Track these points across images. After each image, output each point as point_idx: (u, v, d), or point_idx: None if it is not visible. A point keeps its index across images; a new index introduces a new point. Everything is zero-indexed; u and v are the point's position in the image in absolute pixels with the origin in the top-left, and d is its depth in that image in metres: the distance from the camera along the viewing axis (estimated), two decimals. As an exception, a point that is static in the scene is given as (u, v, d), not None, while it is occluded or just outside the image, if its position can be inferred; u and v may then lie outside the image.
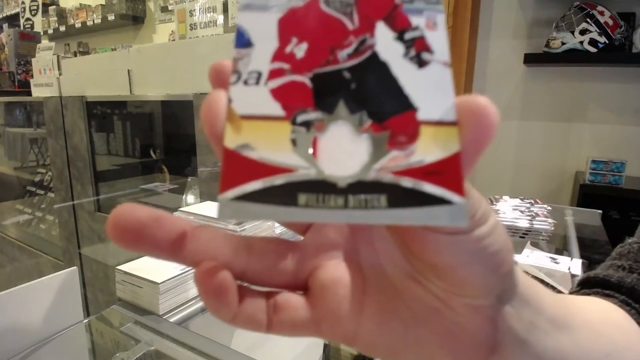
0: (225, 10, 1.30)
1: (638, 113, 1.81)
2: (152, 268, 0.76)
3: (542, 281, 0.73)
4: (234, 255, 0.15)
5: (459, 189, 0.13)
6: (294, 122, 0.13)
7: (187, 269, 0.76)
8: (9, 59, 2.25)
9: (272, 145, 0.13)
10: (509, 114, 2.08)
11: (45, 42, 1.97)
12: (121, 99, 1.59)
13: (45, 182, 2.23)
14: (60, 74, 1.74)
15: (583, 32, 1.67)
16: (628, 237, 0.37)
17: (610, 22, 1.65)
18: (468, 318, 0.17)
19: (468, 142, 0.13)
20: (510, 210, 1.09)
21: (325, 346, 0.80)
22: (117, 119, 1.86)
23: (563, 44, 1.72)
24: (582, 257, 0.86)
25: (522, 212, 1.08)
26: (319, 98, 0.14)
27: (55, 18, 3.74)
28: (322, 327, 0.17)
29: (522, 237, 1.02)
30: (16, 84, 2.21)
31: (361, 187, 0.13)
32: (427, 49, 0.14)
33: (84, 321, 0.73)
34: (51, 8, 3.75)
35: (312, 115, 0.14)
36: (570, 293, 0.36)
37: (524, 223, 1.04)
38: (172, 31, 3.02)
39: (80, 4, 3.63)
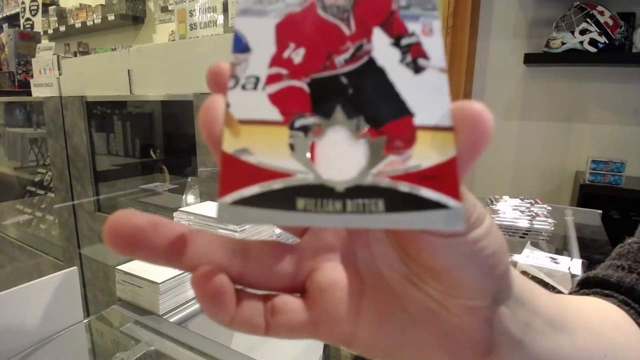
0: (225, 10, 1.30)
1: (638, 113, 1.81)
2: (152, 268, 0.76)
3: (542, 281, 0.73)
4: (231, 259, 0.15)
5: (455, 193, 0.13)
6: (291, 127, 0.14)
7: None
8: (9, 59, 2.25)
9: (270, 149, 0.13)
10: (509, 114, 2.08)
11: (45, 42, 1.97)
12: (121, 99, 1.59)
13: (45, 182, 2.23)
14: (60, 74, 1.74)
15: (583, 32, 1.67)
16: (628, 237, 0.37)
17: (610, 22, 1.65)
18: (464, 319, 0.17)
19: (464, 147, 0.13)
20: (510, 210, 1.09)
21: (325, 346, 0.80)
22: (117, 119, 1.86)
23: (563, 44, 1.72)
24: (582, 257, 0.86)
25: (522, 212, 1.08)
26: (316, 103, 0.14)
27: (55, 18, 3.74)
28: (320, 329, 0.17)
29: (522, 237, 1.02)
30: (16, 84, 2.21)
31: (359, 191, 0.13)
32: (423, 55, 0.14)
33: (84, 321, 0.73)
34: (51, 8, 3.75)
35: (310, 120, 0.14)
36: (570, 293, 0.36)
37: (524, 223, 1.04)
38: (172, 31, 3.02)
39: (80, 4, 3.63)
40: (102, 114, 1.82)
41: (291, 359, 0.83)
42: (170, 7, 3.09)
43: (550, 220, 1.03)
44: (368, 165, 0.13)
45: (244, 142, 0.13)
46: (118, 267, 0.77)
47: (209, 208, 0.93)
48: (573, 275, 0.75)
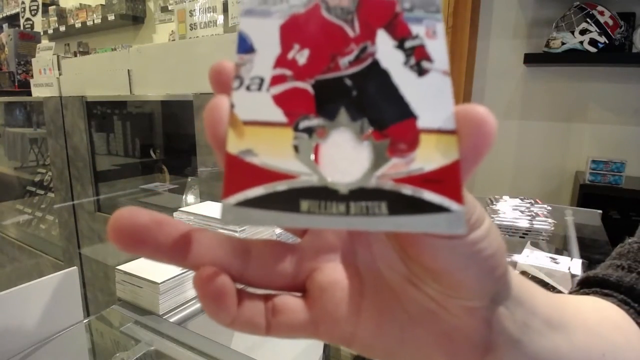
0: (225, 10, 1.30)
1: (638, 113, 1.81)
2: (152, 268, 0.76)
3: (542, 281, 0.73)
4: (232, 258, 0.15)
5: (457, 196, 0.13)
6: (296, 129, 0.14)
7: (186, 270, 0.76)
8: (9, 59, 2.25)
9: (275, 151, 0.13)
10: (509, 114, 2.08)
11: (45, 42, 1.97)
12: (121, 99, 1.59)
13: (45, 182, 2.23)
14: (60, 74, 1.74)
15: (583, 32, 1.67)
16: (628, 237, 0.37)
17: (610, 22, 1.65)
18: (463, 319, 0.17)
19: (467, 151, 0.13)
20: (510, 210, 1.09)
21: (325, 346, 0.80)
22: (117, 119, 1.86)
23: (563, 44, 1.72)
24: (582, 257, 0.86)
25: (522, 212, 1.08)
26: (320, 105, 0.14)
27: (55, 18, 3.74)
28: (320, 329, 0.17)
29: (522, 237, 1.02)
30: (16, 84, 2.21)
31: (362, 194, 0.13)
32: (427, 57, 0.14)
33: (84, 321, 0.73)
34: (51, 8, 3.75)
35: (314, 121, 0.14)
36: (570, 293, 0.36)
37: (524, 223, 1.04)
38: (172, 31, 3.02)
39: (80, 4, 3.63)
40: (102, 114, 1.82)
41: (291, 359, 0.83)
42: (170, 7, 3.09)
43: (550, 220, 1.03)
44: (372, 167, 0.13)
45: (248, 143, 0.13)
46: (118, 267, 0.77)
47: (209, 208, 0.93)
48: (573, 275, 0.75)
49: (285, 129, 0.13)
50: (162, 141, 1.86)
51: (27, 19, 2.34)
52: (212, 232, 0.16)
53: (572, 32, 1.69)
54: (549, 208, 1.11)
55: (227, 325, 0.15)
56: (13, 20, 3.64)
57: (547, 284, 0.72)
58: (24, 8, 2.33)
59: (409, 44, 0.14)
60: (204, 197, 1.28)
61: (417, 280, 0.17)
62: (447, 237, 0.15)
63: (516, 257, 0.83)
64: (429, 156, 0.13)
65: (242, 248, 0.16)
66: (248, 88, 0.14)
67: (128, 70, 1.43)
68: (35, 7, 2.33)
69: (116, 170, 1.90)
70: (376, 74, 0.14)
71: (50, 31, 3.77)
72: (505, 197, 1.19)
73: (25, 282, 0.64)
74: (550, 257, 0.82)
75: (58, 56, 1.77)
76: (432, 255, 0.15)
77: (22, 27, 2.34)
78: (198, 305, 0.79)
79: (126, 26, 3.54)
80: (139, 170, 1.92)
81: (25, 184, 2.35)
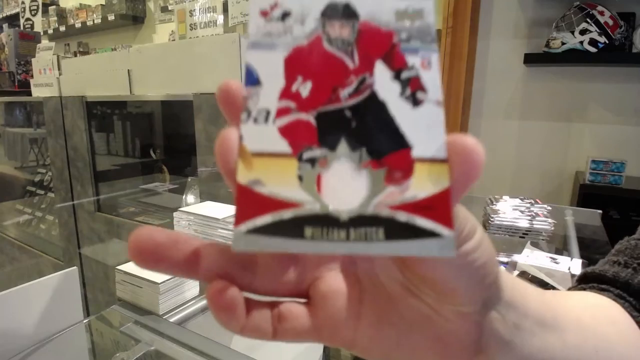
0: (225, 10, 1.30)
1: (638, 113, 1.81)
2: (152, 268, 0.76)
3: (542, 281, 0.73)
4: (240, 270, 0.17)
5: (448, 222, 0.14)
6: (300, 159, 0.15)
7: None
8: (9, 59, 2.25)
9: (281, 181, 0.14)
10: (509, 114, 2.08)
11: (45, 42, 1.97)
12: (121, 99, 1.59)
13: (45, 182, 2.23)
14: (60, 74, 1.74)
15: (583, 32, 1.67)
16: (628, 237, 0.38)
17: (610, 22, 1.65)
18: (456, 323, 0.18)
19: (457, 179, 0.14)
20: (510, 210, 1.09)
21: (325, 347, 0.80)
22: (117, 119, 1.86)
23: (563, 44, 1.72)
24: (582, 257, 0.86)
25: (522, 212, 1.08)
26: (322, 136, 0.15)
27: (55, 18, 3.74)
28: (323, 333, 0.18)
29: (522, 237, 1.02)
30: (16, 84, 2.21)
31: (361, 220, 0.14)
32: (422, 88, 0.15)
33: (84, 321, 0.73)
34: (51, 8, 3.75)
35: (317, 152, 0.15)
36: (569, 289, 0.37)
37: (524, 223, 1.04)
38: (172, 31, 3.02)
39: (80, 4, 3.63)
40: (102, 114, 1.82)
41: (291, 359, 0.83)
42: (170, 7, 3.09)
43: (550, 220, 1.03)
44: (369, 195, 0.14)
45: (257, 174, 0.14)
46: (118, 267, 0.77)
47: (209, 208, 0.93)
48: (573, 275, 0.75)
49: (290, 159, 0.14)
50: (162, 141, 1.86)
51: (27, 19, 2.34)
52: (223, 246, 0.17)
53: (572, 32, 1.69)
54: (549, 208, 1.11)
55: (237, 333, 0.16)
56: (13, 20, 3.64)
57: (547, 284, 0.72)
58: (24, 8, 2.33)
59: (405, 75, 0.15)
60: (204, 197, 1.28)
61: (413, 288, 0.18)
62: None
63: (516, 257, 0.83)
64: (422, 184, 0.14)
65: (250, 260, 0.17)
66: (255, 120, 0.15)
67: (128, 70, 1.43)
68: (35, 7, 2.33)
69: (116, 170, 1.90)
70: (374, 106, 0.15)
71: (50, 31, 3.77)
72: (505, 197, 1.19)
73: (25, 282, 0.64)
74: (550, 257, 0.82)
75: (58, 56, 1.77)
76: (427, 266, 0.17)
77: (22, 27, 2.34)
78: (198, 305, 0.79)
79: (126, 26, 3.54)
80: (139, 170, 1.92)
81: (25, 184, 2.35)
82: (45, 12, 3.61)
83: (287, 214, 0.14)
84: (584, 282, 0.36)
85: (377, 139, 0.15)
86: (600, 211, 1.28)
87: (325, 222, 0.14)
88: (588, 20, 1.66)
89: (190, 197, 1.41)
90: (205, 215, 0.87)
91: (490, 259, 0.17)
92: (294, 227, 0.14)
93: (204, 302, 0.80)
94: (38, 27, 2.34)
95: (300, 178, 0.14)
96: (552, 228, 1.02)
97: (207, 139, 1.19)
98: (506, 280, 0.20)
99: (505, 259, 0.87)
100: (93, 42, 3.88)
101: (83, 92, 1.62)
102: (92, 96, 1.60)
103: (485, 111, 2.15)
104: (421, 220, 0.14)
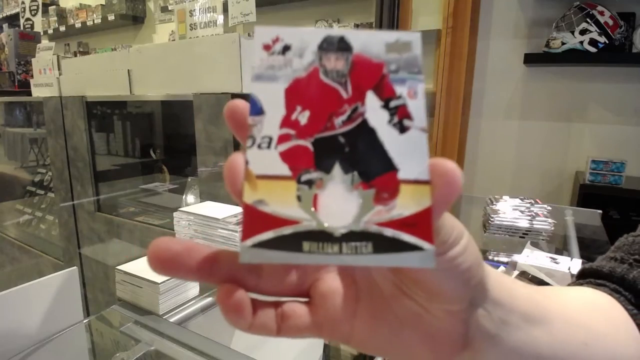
0: (225, 10, 1.30)
1: (638, 113, 1.81)
2: (152, 268, 0.76)
3: (541, 281, 0.73)
4: (247, 274, 0.19)
5: (429, 237, 0.16)
6: (299, 181, 0.16)
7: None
8: (9, 59, 2.25)
9: (282, 200, 0.16)
10: (509, 114, 2.09)
11: (45, 42, 1.97)
12: (121, 99, 1.59)
13: (45, 182, 2.23)
14: (60, 74, 1.74)
15: (583, 32, 1.67)
16: (627, 234, 0.38)
17: (610, 22, 1.65)
18: (445, 321, 0.20)
19: (438, 199, 0.16)
20: (510, 210, 1.09)
21: (325, 346, 0.80)
22: (117, 119, 1.86)
23: (563, 44, 1.72)
24: (582, 257, 0.86)
25: (522, 212, 1.08)
26: (319, 160, 0.16)
27: (55, 18, 3.74)
28: (322, 330, 0.20)
29: (522, 237, 1.02)
30: (16, 84, 2.21)
31: (352, 236, 0.16)
32: (408, 116, 0.17)
33: (84, 321, 0.73)
34: (51, 8, 3.75)
35: (314, 175, 0.16)
36: (568, 285, 0.38)
37: (524, 223, 1.04)
38: (172, 31, 3.02)
39: (80, 4, 3.63)
40: (102, 114, 1.82)
41: (291, 359, 0.83)
42: (170, 7, 3.09)
43: (550, 220, 1.03)
44: (360, 213, 0.16)
45: (261, 194, 0.16)
46: (118, 267, 0.77)
47: (209, 208, 0.93)
48: (573, 275, 0.75)
49: (290, 181, 0.16)
50: (162, 141, 1.86)
51: (27, 19, 2.34)
52: (232, 252, 0.18)
53: (572, 32, 1.69)
54: (549, 208, 1.11)
55: (244, 331, 0.18)
56: (13, 20, 3.64)
57: (547, 284, 0.72)
58: (24, 8, 2.33)
59: (393, 103, 0.17)
60: (204, 197, 1.28)
61: (405, 289, 0.20)
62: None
63: (516, 257, 0.83)
64: (407, 203, 0.16)
65: (255, 265, 0.19)
66: (259, 146, 0.16)
67: (128, 70, 1.43)
68: (35, 7, 2.33)
69: (116, 170, 1.90)
70: (365, 132, 0.17)
71: (50, 31, 3.77)
72: (505, 197, 1.19)
73: (25, 282, 0.64)
74: (550, 257, 0.82)
75: (58, 56, 1.77)
76: (417, 270, 0.18)
77: (22, 27, 2.34)
78: (198, 305, 0.79)
79: (126, 26, 3.54)
80: (139, 170, 1.92)
81: (25, 184, 2.35)
82: (45, 12, 3.61)
83: (287, 230, 0.16)
84: (581, 277, 0.37)
85: (367, 162, 0.16)
86: (600, 211, 1.28)
87: (321, 237, 0.16)
88: (588, 20, 1.66)
89: (190, 197, 1.41)
90: (205, 215, 0.87)
91: (474, 263, 0.19)
92: (293, 242, 0.16)
93: (204, 302, 0.80)
94: (38, 27, 2.34)
95: (299, 198, 0.16)
96: (552, 228, 1.02)
97: (207, 139, 1.19)
98: (494, 280, 0.21)
99: (505, 259, 0.87)
100: (93, 42, 3.88)
101: (83, 92, 1.62)
102: (92, 96, 1.60)
103: (485, 111, 2.15)
104: (405, 236, 0.16)
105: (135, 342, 0.69)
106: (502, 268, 0.82)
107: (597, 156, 1.72)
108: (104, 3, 3.43)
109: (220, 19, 1.30)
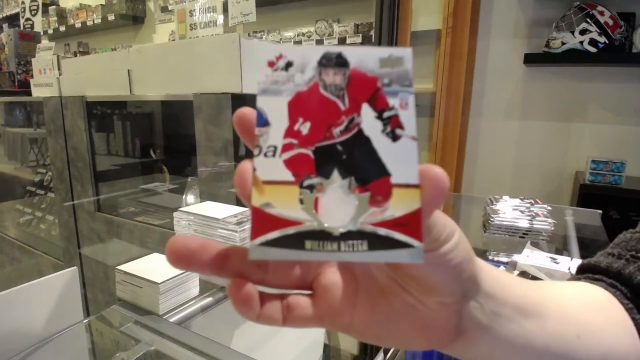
0: (225, 10, 1.30)
1: (638, 113, 1.81)
2: (152, 268, 0.76)
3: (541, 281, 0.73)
4: (255, 268, 0.20)
5: (418, 236, 0.17)
6: (301, 186, 0.18)
7: (190, 272, 0.76)
8: (9, 59, 2.25)
9: (286, 203, 0.18)
10: (509, 114, 2.09)
11: (45, 42, 1.97)
12: (121, 99, 1.59)
13: (45, 182, 2.23)
14: (60, 74, 1.74)
15: (583, 32, 1.67)
16: (626, 230, 0.39)
17: (610, 22, 1.65)
18: (438, 312, 0.22)
19: (427, 201, 0.18)
20: (510, 210, 1.09)
21: (325, 346, 0.81)
22: (117, 119, 1.86)
23: (563, 44, 1.72)
24: (582, 257, 0.86)
25: (522, 212, 1.08)
26: (319, 167, 0.18)
27: (55, 18, 3.74)
28: (324, 319, 0.22)
29: (522, 237, 1.02)
30: (16, 84, 2.20)
31: (349, 235, 0.17)
32: (400, 125, 0.18)
33: (84, 321, 0.74)
34: (51, 8, 3.75)
35: (315, 180, 0.18)
36: (567, 280, 0.38)
37: (524, 223, 1.04)
38: (172, 31, 3.02)
39: (80, 4, 3.63)
40: (102, 114, 1.82)
41: (291, 359, 0.83)
42: (170, 7, 3.09)
43: (550, 220, 1.03)
44: (356, 215, 0.18)
45: (267, 198, 0.18)
46: (118, 267, 0.77)
47: (209, 208, 0.93)
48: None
49: (293, 186, 0.18)
50: (162, 141, 1.85)
51: (27, 19, 2.34)
52: (242, 249, 0.20)
53: (572, 32, 1.69)
54: (549, 208, 1.11)
55: (253, 321, 0.20)
56: (13, 20, 3.64)
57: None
58: (24, 8, 2.33)
59: (386, 114, 0.18)
60: (204, 197, 1.28)
61: (401, 282, 0.22)
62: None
63: (516, 257, 0.83)
64: (399, 205, 0.18)
65: (263, 261, 0.20)
66: (265, 155, 0.18)
67: (128, 70, 1.43)
68: (35, 7, 2.33)
69: (116, 170, 1.90)
70: (361, 141, 0.18)
71: (50, 31, 3.77)
72: (505, 197, 1.19)
73: (25, 282, 0.64)
74: (550, 257, 0.82)
75: (58, 56, 1.77)
76: (412, 265, 0.20)
77: (22, 27, 2.34)
78: (198, 305, 0.79)
79: (126, 26, 3.54)
80: (139, 170, 1.92)
81: (25, 184, 2.35)
82: (45, 12, 3.61)
83: (291, 230, 0.17)
84: (580, 273, 0.38)
85: (363, 168, 0.18)
86: (600, 211, 1.28)
87: (322, 236, 0.17)
88: (588, 20, 1.66)
89: (190, 197, 1.41)
90: (205, 215, 0.87)
91: (465, 258, 0.20)
92: (296, 241, 0.17)
93: (204, 302, 0.80)
94: (38, 27, 2.34)
95: (301, 201, 0.18)
96: (552, 228, 1.02)
97: (207, 139, 1.19)
98: (487, 274, 0.23)
99: (505, 259, 0.87)
100: (93, 42, 3.88)
101: (83, 92, 1.62)
102: (92, 96, 1.60)
103: (485, 111, 2.15)
104: (397, 235, 0.17)
105: (135, 342, 0.69)
106: (502, 268, 0.82)
107: (597, 156, 1.73)
108: (104, 3, 3.43)
109: (220, 19, 1.30)
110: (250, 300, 0.19)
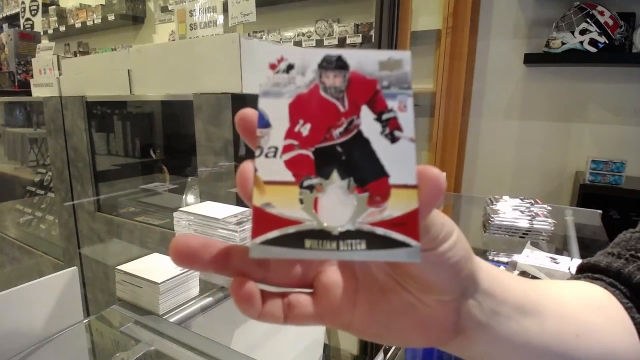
0: (225, 10, 1.30)
1: (638, 113, 1.81)
2: (152, 268, 0.76)
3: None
4: (256, 267, 0.21)
5: (415, 235, 0.17)
6: (301, 186, 0.18)
7: (186, 270, 0.76)
8: (9, 59, 2.25)
9: (286, 203, 0.18)
10: (509, 114, 2.09)
11: (45, 42, 1.97)
12: (121, 99, 1.59)
13: (45, 182, 2.23)
14: (60, 74, 1.74)
15: (583, 32, 1.67)
16: (625, 230, 0.39)
17: (610, 22, 1.65)
18: (436, 310, 0.22)
19: (424, 201, 0.18)
20: (510, 210, 1.09)
21: (325, 346, 0.81)
22: (117, 119, 1.86)
23: (563, 44, 1.72)
24: (582, 257, 0.86)
25: (522, 212, 1.08)
26: (319, 167, 0.18)
27: (55, 18, 3.74)
28: (325, 318, 0.22)
29: (522, 237, 1.02)
30: (16, 84, 2.20)
31: (348, 234, 0.18)
32: (398, 127, 0.18)
33: (84, 321, 0.73)
34: (51, 8, 3.75)
35: (314, 180, 0.18)
36: (568, 279, 0.38)
37: (524, 223, 1.04)
38: (172, 31, 3.02)
39: (80, 4, 3.63)
40: (102, 114, 1.82)
41: (291, 359, 0.83)
42: (170, 7, 3.09)
43: (550, 220, 1.03)
44: (355, 214, 0.18)
45: (268, 198, 0.18)
46: (118, 267, 0.77)
47: (209, 208, 0.93)
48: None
49: (294, 186, 0.18)
50: (162, 141, 1.85)
51: (27, 19, 2.34)
52: (243, 248, 0.20)
53: (572, 32, 1.69)
54: (549, 208, 1.11)
55: (255, 318, 0.20)
56: (13, 20, 3.64)
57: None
58: (24, 8, 2.33)
59: (385, 116, 0.19)
60: (204, 197, 1.28)
61: (400, 280, 0.22)
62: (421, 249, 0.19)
63: (516, 257, 0.83)
64: (396, 205, 0.18)
65: (264, 259, 0.21)
66: (266, 155, 0.18)
67: (128, 70, 1.43)
68: (35, 7, 2.32)
69: (116, 170, 1.90)
70: (360, 142, 0.19)
71: (50, 31, 3.77)
72: (505, 197, 1.19)
73: (25, 282, 0.64)
74: (550, 257, 0.82)
75: (58, 56, 1.77)
76: (411, 264, 0.20)
77: (22, 27, 2.34)
78: (198, 305, 0.79)
79: (126, 26, 3.54)
80: (139, 170, 1.92)
81: (25, 184, 2.35)
82: (45, 12, 3.61)
83: (291, 229, 0.18)
84: (580, 272, 0.38)
85: (362, 169, 0.18)
86: (600, 211, 1.28)
87: (321, 235, 0.18)
88: (588, 20, 1.66)
89: (190, 197, 1.41)
90: (205, 215, 0.87)
91: (464, 257, 0.21)
92: (296, 240, 0.17)
93: (204, 302, 0.80)
94: (38, 27, 2.34)
95: (301, 201, 0.18)
96: (552, 228, 1.02)
97: (207, 139, 1.19)
98: (486, 273, 0.23)
99: (505, 259, 0.87)
100: (93, 42, 3.88)
101: (83, 92, 1.62)
102: (92, 96, 1.60)
103: (485, 111, 2.15)
104: (395, 234, 0.18)
105: (135, 342, 0.69)
106: (502, 268, 0.82)
107: (597, 156, 1.73)
108: (104, 3, 3.43)
109: (220, 19, 1.30)
110: (252, 298, 0.19)
